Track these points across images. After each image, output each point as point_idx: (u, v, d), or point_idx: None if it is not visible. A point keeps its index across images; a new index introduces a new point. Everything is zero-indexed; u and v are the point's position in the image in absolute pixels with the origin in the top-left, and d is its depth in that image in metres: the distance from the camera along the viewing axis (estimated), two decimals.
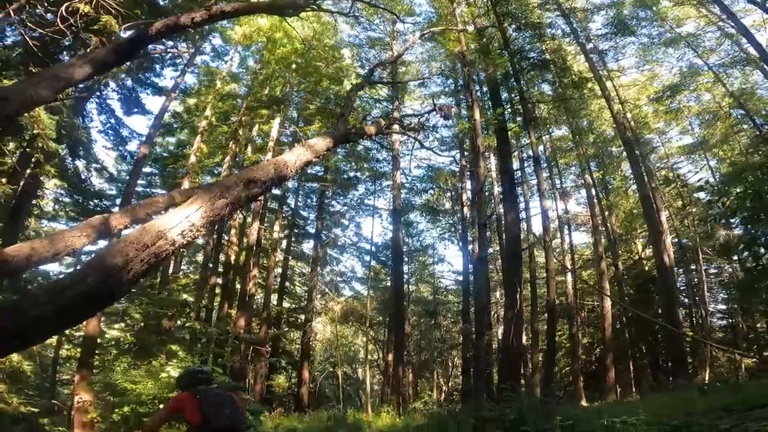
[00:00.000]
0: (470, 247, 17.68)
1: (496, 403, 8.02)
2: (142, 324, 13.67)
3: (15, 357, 10.90)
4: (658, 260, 12.15)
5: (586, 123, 19.46)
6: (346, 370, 23.71)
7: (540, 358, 16.22)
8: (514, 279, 10.57)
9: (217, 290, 18.85)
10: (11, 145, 11.38)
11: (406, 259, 22.37)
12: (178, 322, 14.32)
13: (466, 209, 19.02)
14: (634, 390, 15.59)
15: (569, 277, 18.04)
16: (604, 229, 19.11)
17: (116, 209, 12.08)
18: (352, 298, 21.09)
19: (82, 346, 11.89)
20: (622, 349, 17.04)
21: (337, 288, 21.97)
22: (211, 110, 16.87)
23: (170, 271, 17.68)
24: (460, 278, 22.87)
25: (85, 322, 12.48)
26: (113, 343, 14.93)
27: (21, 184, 12.18)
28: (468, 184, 19.51)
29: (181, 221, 2.57)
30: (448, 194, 22.26)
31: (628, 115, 17.11)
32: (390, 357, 17.95)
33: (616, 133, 16.92)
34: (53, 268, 15.44)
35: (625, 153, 18.15)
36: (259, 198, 3.93)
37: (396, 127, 7.83)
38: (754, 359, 13.09)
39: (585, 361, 18.67)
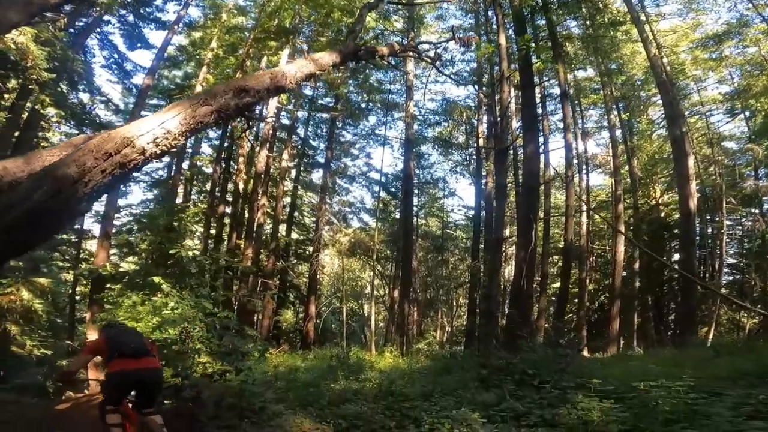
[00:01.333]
0: (483, 181, 17.24)
1: (505, 349, 7.69)
2: (152, 256, 13.47)
3: (26, 295, 10.77)
4: (683, 206, 11.58)
5: (615, 66, 18.26)
6: (351, 305, 24.39)
7: (546, 303, 16.28)
8: (529, 215, 10.10)
9: (226, 220, 18.91)
10: (13, 82, 11.67)
11: (416, 191, 22.12)
12: (190, 254, 14.25)
13: (481, 141, 18.39)
14: (635, 343, 15.46)
15: (584, 218, 17.67)
16: (624, 171, 18.37)
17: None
18: (360, 229, 20.98)
19: (92, 282, 12.09)
20: (629, 298, 16.85)
21: (346, 219, 21.97)
22: (217, 42, 16.55)
23: (180, 200, 17.66)
24: (471, 213, 22.78)
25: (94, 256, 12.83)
26: (125, 278, 15.00)
27: (23, 117, 12.19)
28: (485, 118, 18.70)
29: (153, 128, 2.18)
30: (462, 128, 21.54)
31: (665, 60, 15.77)
32: (396, 293, 18.24)
33: (648, 76, 16.49)
34: None
35: (654, 97, 17.69)
36: (253, 108, 3.49)
37: (411, 53, 7.17)
38: None
39: (588, 309, 18.63)
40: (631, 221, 18.48)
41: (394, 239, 21.05)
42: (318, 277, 19.89)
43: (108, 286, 11.14)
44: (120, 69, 15.59)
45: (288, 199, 21.62)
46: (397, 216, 21.41)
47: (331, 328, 21.12)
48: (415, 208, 21.76)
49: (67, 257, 18.55)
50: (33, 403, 6.41)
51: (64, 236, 18.21)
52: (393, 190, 23.65)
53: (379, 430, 4.83)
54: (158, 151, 2.17)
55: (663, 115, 16.49)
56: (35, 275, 12.11)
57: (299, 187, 22.78)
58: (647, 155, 19.68)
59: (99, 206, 14.50)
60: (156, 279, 7.09)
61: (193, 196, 21.82)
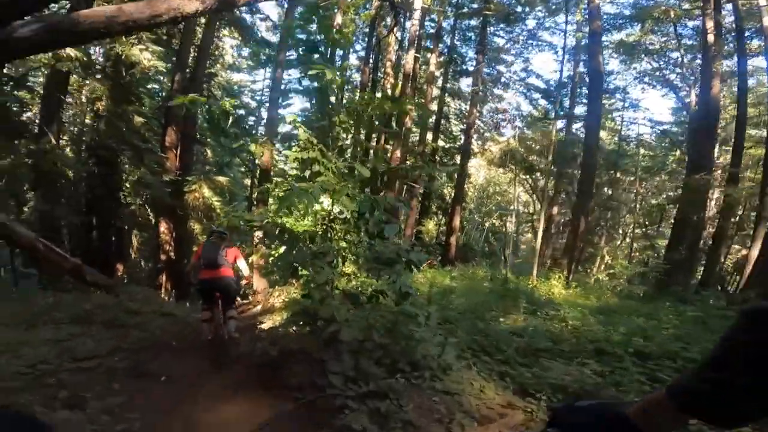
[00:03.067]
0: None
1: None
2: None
3: (206, 192, 11.94)
4: None
5: None
6: (494, 222, 22.95)
7: None
8: None
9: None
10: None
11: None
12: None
13: (711, 37, 13.47)
14: None
15: None
16: None
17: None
18: (514, 138, 18.61)
19: (259, 180, 12.79)
20: None
21: (498, 127, 19.78)
22: None
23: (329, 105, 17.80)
24: (664, 127, 18.74)
25: (258, 157, 13.90)
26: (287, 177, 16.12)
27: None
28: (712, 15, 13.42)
29: None
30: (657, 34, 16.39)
31: None
32: (554, 210, 16.00)
33: None
34: None
35: None
36: None
37: None
38: None
39: None
40: None
41: (562, 152, 18.11)
42: (464, 186, 18.58)
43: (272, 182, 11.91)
44: None
45: (434, 107, 20.25)
46: (559, 125, 18.20)
47: (472, 245, 20.28)
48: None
49: (246, 163, 21.03)
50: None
51: (242, 143, 20.80)
52: (553, 98, 20.06)
53: None
54: None
55: None
56: (216, 175, 13.84)
57: (446, 94, 21.08)
58: None
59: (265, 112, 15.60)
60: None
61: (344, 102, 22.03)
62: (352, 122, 6.89)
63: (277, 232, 4.66)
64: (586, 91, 17.85)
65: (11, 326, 4.66)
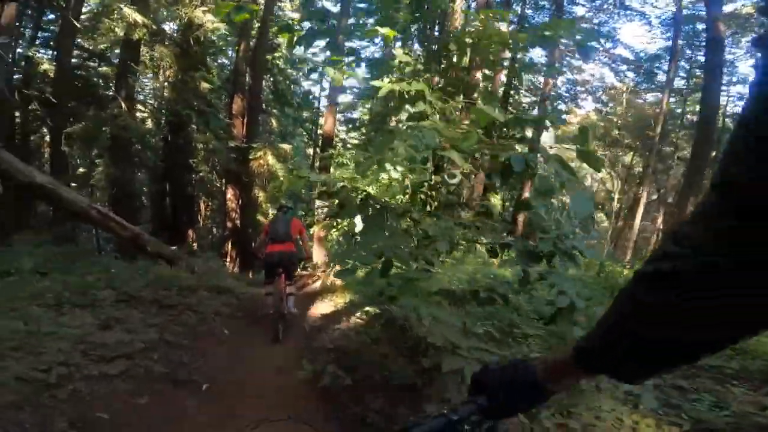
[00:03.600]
0: None
1: None
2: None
3: (270, 159, 11.86)
4: None
5: None
6: (563, 199, 21.29)
7: None
8: None
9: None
10: None
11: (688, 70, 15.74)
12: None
13: None
14: None
15: None
16: None
17: None
18: (596, 112, 16.92)
19: (321, 148, 12.57)
20: None
21: (576, 99, 18.06)
22: None
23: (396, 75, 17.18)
24: None
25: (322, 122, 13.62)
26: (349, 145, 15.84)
27: None
28: None
29: None
30: None
31: None
32: (642, 190, 14.29)
33: None
34: None
35: None
36: None
37: None
38: None
39: None
40: None
41: (664, 123, 16.10)
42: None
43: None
44: None
45: (503, 77, 18.83)
46: (649, 98, 16.16)
47: (539, 223, 18.88)
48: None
49: (309, 132, 21.12)
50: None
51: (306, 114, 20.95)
52: (644, 70, 17.78)
53: None
54: None
55: None
56: (280, 143, 13.89)
57: (516, 64, 19.52)
58: None
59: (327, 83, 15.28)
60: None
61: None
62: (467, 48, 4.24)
63: (358, 201, 3.04)
64: (685, 64, 15.65)
65: (52, 307, 3.97)
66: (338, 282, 6.58)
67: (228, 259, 12.97)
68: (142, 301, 4.59)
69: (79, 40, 11.24)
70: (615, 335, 0.57)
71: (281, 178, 10.84)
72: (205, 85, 11.43)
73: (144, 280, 5.25)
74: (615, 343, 0.56)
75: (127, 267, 5.92)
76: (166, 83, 11.35)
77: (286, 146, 12.55)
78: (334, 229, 9.16)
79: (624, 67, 18.53)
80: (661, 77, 17.45)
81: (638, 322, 0.53)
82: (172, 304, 4.76)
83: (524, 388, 0.68)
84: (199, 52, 11.35)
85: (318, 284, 7.82)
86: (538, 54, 20.44)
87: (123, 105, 9.31)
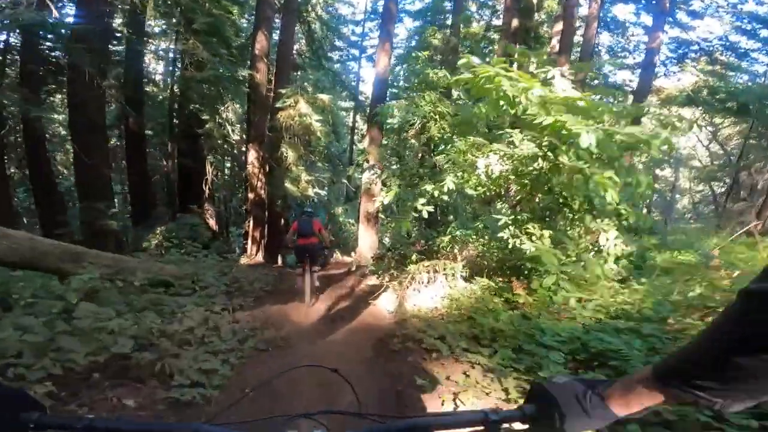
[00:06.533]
0: None
1: None
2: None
3: (304, 108, 9.74)
4: None
5: None
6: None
7: None
8: None
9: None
10: None
11: None
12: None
13: None
14: None
15: None
16: None
17: None
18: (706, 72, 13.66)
19: (371, 97, 10.57)
20: None
21: (683, 59, 14.80)
22: None
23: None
24: None
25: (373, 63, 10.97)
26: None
27: None
28: None
29: None
30: None
31: None
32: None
33: None
34: None
35: None
36: None
37: None
38: None
39: None
40: None
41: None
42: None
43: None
44: None
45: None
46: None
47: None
48: None
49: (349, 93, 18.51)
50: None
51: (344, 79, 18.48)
52: None
53: None
54: None
55: None
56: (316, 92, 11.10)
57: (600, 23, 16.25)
58: None
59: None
60: None
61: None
62: None
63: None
64: None
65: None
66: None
67: (250, 242, 10.55)
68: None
69: None
70: (716, 353, 0.52)
71: (318, 133, 8.44)
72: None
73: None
74: (715, 360, 0.52)
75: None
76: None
77: (324, 97, 9.62)
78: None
79: (758, 26, 14.73)
80: None
81: (748, 340, 0.48)
82: None
83: (585, 405, 0.63)
84: None
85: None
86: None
87: None
